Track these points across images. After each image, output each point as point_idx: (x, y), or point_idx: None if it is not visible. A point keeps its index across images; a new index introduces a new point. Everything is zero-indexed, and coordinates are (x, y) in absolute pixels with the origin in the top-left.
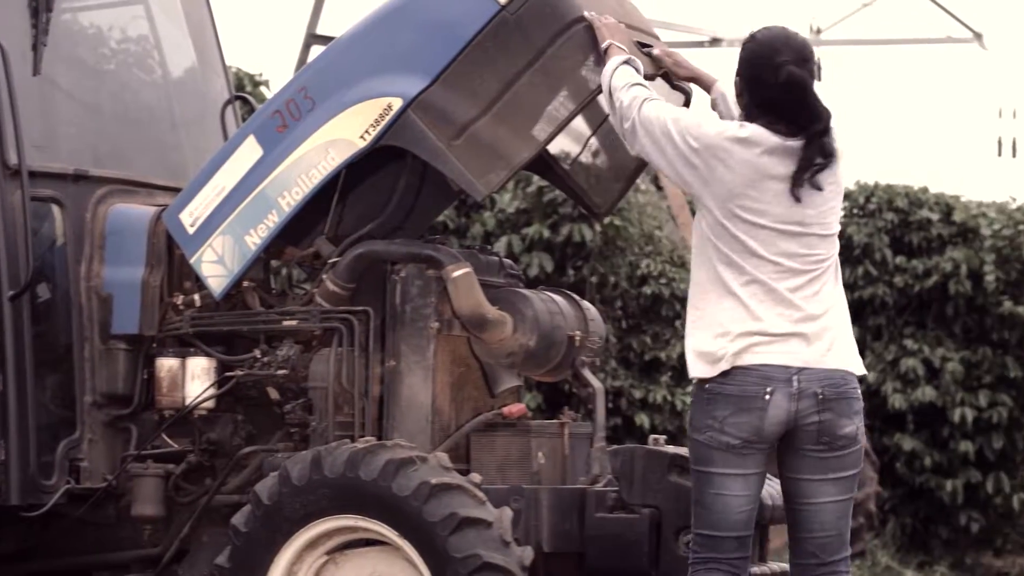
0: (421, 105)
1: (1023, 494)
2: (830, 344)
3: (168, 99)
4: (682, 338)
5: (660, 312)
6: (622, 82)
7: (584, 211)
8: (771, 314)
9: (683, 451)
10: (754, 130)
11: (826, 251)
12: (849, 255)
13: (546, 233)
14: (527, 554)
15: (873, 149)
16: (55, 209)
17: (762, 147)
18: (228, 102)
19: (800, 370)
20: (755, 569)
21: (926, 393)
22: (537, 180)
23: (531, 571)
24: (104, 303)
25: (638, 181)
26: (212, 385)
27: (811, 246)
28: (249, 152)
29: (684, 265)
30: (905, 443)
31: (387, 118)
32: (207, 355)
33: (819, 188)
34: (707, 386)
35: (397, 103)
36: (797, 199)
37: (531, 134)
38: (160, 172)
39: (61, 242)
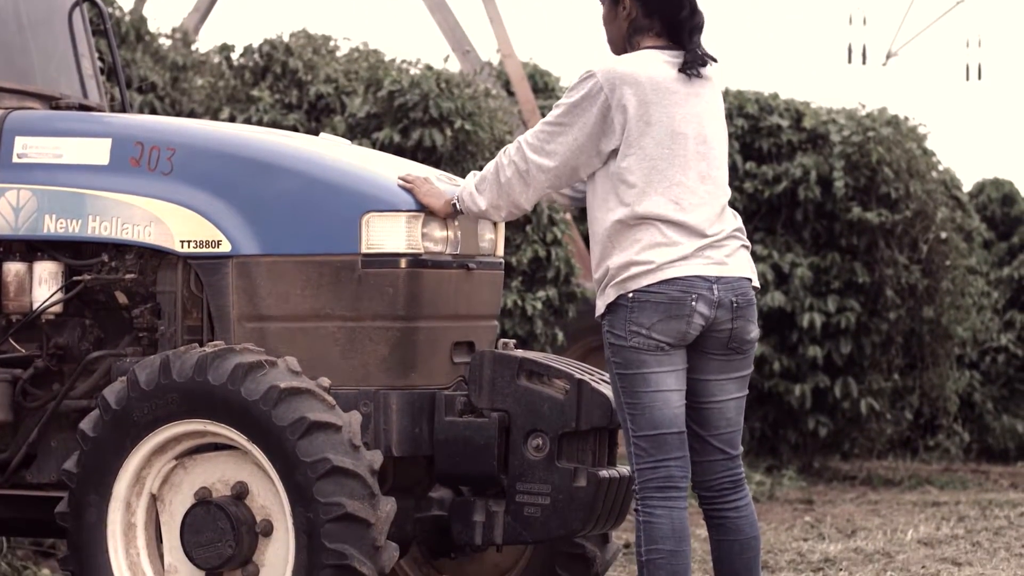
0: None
1: (870, 399)
2: (736, 255)
3: (14, 1)
4: (533, 243)
5: None
6: (477, 178)
7: None
8: (686, 232)
9: (532, 355)
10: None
11: (721, 167)
12: None
13: (397, 138)
14: (376, 458)
15: (723, 55)
16: None
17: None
18: (75, 4)
19: (717, 279)
20: (604, 472)
21: (775, 298)
22: (388, 84)
23: (380, 475)
24: None
25: (488, 86)
26: (60, 289)
27: (712, 165)
28: (98, 150)
29: None
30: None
31: (211, 251)
32: (54, 259)
33: (708, 104)
34: (631, 295)
35: (227, 247)
36: (689, 118)
37: None
38: (6, 75)
39: None
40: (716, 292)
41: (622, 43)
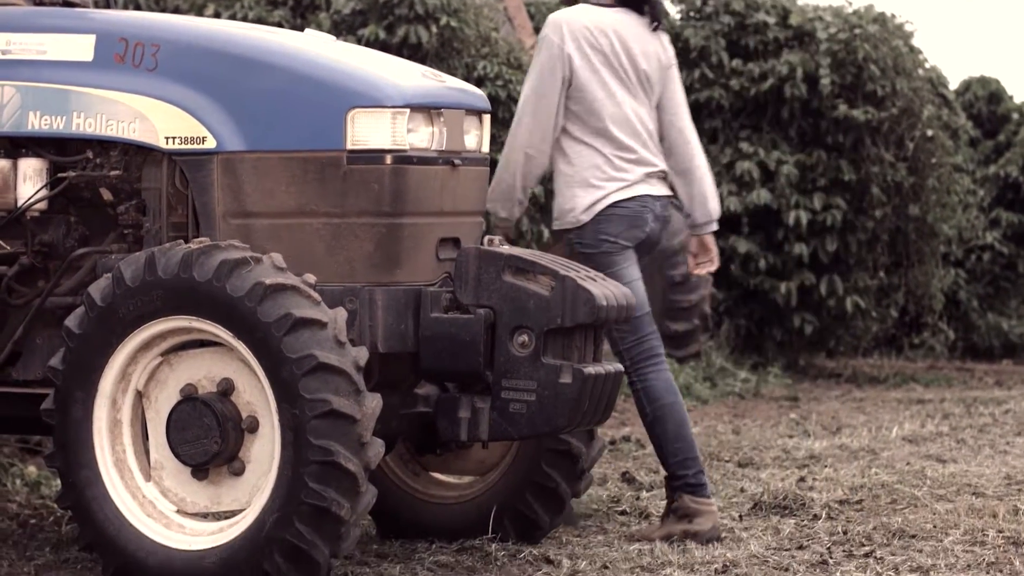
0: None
1: (856, 297)
2: (667, 178)
3: None
4: None
5: (497, 115)
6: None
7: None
8: (637, 161)
9: (518, 251)
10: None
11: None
12: (686, 58)
13: (382, 35)
14: (362, 354)
15: None
16: None
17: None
18: None
19: (659, 198)
20: (589, 368)
21: (761, 196)
22: None
23: (366, 371)
24: None
25: None
26: (44, 186)
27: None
28: (82, 47)
29: (521, 67)
30: (740, 245)
31: (196, 147)
32: (39, 156)
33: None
34: (600, 211)
35: (211, 143)
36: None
37: None
38: None
39: None
40: (660, 208)
41: None
